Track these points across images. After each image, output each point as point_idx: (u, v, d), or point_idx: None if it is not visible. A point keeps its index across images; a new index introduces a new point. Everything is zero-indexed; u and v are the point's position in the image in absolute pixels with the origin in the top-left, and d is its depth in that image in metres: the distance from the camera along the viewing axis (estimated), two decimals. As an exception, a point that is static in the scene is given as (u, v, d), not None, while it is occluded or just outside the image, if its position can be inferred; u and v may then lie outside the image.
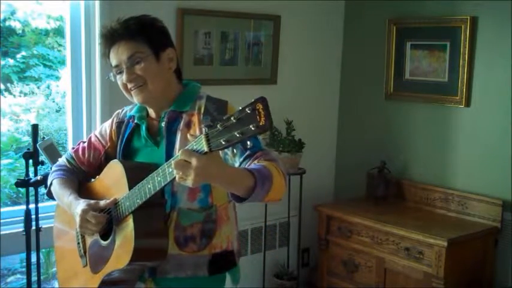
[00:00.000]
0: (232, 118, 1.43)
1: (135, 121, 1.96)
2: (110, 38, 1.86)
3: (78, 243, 2.01)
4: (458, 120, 3.55)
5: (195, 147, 1.51)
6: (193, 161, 1.49)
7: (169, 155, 1.82)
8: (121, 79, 1.87)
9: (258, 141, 1.80)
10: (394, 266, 3.35)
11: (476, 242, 3.33)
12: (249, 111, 1.40)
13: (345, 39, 4.18)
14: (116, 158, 1.97)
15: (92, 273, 1.92)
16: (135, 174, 1.80)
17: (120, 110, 2.06)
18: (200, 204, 1.84)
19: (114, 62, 1.87)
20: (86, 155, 2.05)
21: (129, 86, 1.86)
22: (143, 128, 1.93)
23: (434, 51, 3.64)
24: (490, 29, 3.38)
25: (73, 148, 2.11)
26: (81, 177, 2.07)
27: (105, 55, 1.90)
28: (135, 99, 1.88)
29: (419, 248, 3.21)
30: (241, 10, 3.62)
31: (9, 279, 3.28)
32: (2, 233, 2.92)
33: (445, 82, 3.59)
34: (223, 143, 1.44)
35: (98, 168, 2.04)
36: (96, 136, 2.06)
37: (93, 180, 2.09)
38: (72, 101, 3.16)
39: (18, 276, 3.28)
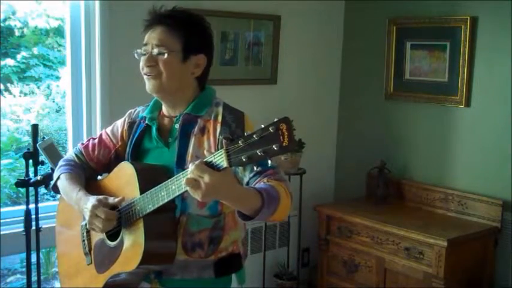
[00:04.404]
0: (254, 136, 1.43)
1: (146, 122, 1.94)
2: (153, 18, 1.85)
3: (83, 240, 1.99)
4: (458, 120, 3.55)
5: (214, 160, 1.51)
6: (206, 178, 1.50)
7: (180, 157, 1.81)
8: (142, 60, 1.86)
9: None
10: (394, 266, 3.35)
11: (476, 242, 3.33)
12: (272, 131, 1.41)
13: (345, 39, 4.18)
14: (125, 157, 1.96)
15: (97, 273, 1.92)
16: (147, 176, 1.80)
17: (133, 110, 2.04)
18: (210, 211, 1.83)
19: (144, 41, 1.86)
20: (96, 152, 2.02)
21: (145, 70, 1.85)
22: (154, 129, 1.92)
23: (434, 51, 3.64)
24: (490, 29, 3.38)
25: (82, 144, 2.07)
26: (89, 173, 2.04)
27: (143, 33, 1.88)
28: (146, 86, 1.87)
29: (419, 248, 3.21)
30: (241, 10, 3.62)
31: (9, 279, 3.28)
32: (2, 233, 2.92)
33: (445, 82, 3.59)
34: (244, 160, 1.45)
35: (106, 166, 2.02)
36: (107, 134, 2.03)
37: (100, 177, 2.07)
38: (72, 101, 3.16)
39: (18, 276, 3.28)
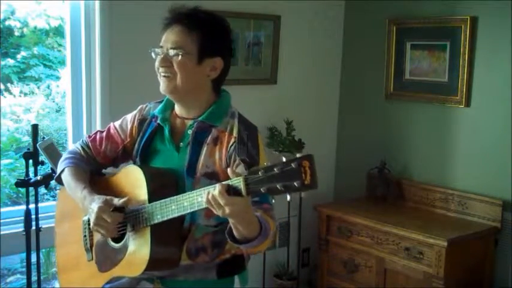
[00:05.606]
0: (275, 169, 1.43)
1: (158, 122, 1.91)
2: (172, 18, 1.84)
3: (85, 235, 1.97)
4: (458, 120, 3.55)
5: (231, 183, 1.53)
6: (230, 204, 1.53)
7: (191, 165, 1.80)
8: (158, 61, 1.84)
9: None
10: (394, 266, 3.35)
11: (476, 242, 3.32)
12: (294, 166, 1.42)
13: (344, 39, 4.18)
14: (133, 155, 1.94)
15: (98, 271, 1.91)
16: (155, 181, 1.79)
17: (144, 106, 2.00)
18: (217, 221, 1.82)
19: (161, 42, 1.84)
20: (103, 147, 1.98)
21: (160, 70, 1.83)
22: (166, 130, 1.89)
23: (434, 51, 3.64)
24: (490, 29, 3.38)
25: (89, 136, 2.03)
26: (94, 167, 2.00)
27: (162, 32, 1.86)
28: (160, 87, 1.85)
29: (419, 248, 3.21)
30: (241, 10, 3.62)
31: (9, 279, 3.28)
32: (2, 233, 2.92)
33: (445, 82, 3.59)
34: (262, 191, 1.46)
35: (113, 161, 2.00)
36: (115, 128, 1.99)
37: (105, 170, 2.04)
38: (72, 101, 3.15)
39: (18, 276, 3.28)
